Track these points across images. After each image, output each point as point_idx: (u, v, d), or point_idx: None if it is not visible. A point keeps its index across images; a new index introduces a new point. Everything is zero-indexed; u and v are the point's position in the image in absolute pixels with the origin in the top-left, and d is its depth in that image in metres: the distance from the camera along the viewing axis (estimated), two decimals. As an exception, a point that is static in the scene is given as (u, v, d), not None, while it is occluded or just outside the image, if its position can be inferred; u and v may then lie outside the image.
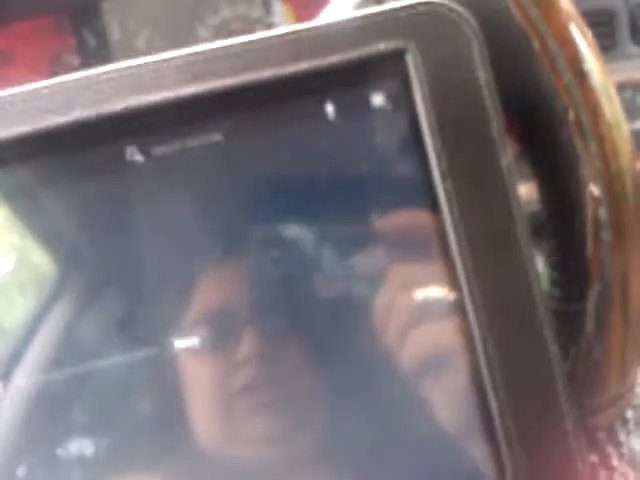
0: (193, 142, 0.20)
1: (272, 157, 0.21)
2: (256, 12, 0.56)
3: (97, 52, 0.58)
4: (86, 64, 0.58)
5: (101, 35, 0.58)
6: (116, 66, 0.20)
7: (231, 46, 0.20)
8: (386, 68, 0.20)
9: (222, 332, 0.20)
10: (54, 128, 0.19)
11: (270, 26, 0.55)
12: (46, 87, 0.20)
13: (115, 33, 0.57)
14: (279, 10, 0.56)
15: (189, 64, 0.20)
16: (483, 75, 0.20)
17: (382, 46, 0.20)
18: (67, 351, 0.21)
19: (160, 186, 0.20)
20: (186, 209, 0.21)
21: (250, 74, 0.20)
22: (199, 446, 0.20)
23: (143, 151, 0.20)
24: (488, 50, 0.21)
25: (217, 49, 0.20)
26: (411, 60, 0.20)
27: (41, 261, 0.21)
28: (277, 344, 0.20)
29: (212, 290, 0.21)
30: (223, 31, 0.56)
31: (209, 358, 0.21)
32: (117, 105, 0.19)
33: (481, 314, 0.19)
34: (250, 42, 0.20)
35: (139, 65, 0.19)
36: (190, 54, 0.20)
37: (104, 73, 0.20)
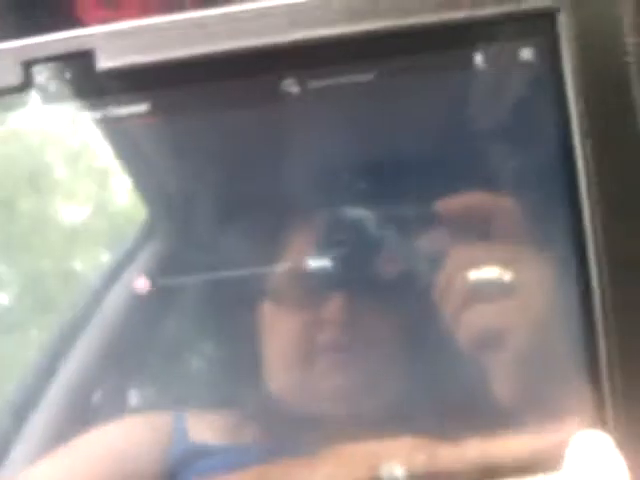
0: (345, 79, 0.21)
1: (412, 102, 0.22)
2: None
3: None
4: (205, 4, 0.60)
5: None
6: (284, 1, 0.21)
7: None
8: (538, 24, 0.21)
9: (312, 288, 0.22)
10: (220, 54, 0.21)
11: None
12: (217, 15, 0.21)
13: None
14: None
15: (352, 5, 0.21)
16: (631, 41, 0.20)
17: (535, 3, 0.20)
18: (160, 278, 0.22)
19: (307, 118, 0.22)
20: (324, 142, 0.22)
21: (408, 19, 0.21)
22: (275, 394, 0.22)
23: (300, 83, 0.21)
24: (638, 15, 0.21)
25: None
26: (563, 19, 0.20)
27: (117, 212, 0.23)
28: (358, 310, 0.22)
29: (308, 243, 0.22)
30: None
31: (297, 310, 0.22)
32: (282, 37, 0.21)
33: (604, 270, 0.20)
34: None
35: (306, 2, 0.21)
36: None
37: (272, 7, 0.21)
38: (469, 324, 0.21)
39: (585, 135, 0.20)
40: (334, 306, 0.22)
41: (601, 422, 0.20)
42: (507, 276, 0.21)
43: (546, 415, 0.20)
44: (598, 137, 0.20)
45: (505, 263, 0.21)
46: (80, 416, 0.22)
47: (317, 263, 0.22)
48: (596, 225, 0.20)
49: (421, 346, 0.22)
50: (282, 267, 0.22)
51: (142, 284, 0.22)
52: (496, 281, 0.21)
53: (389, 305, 0.22)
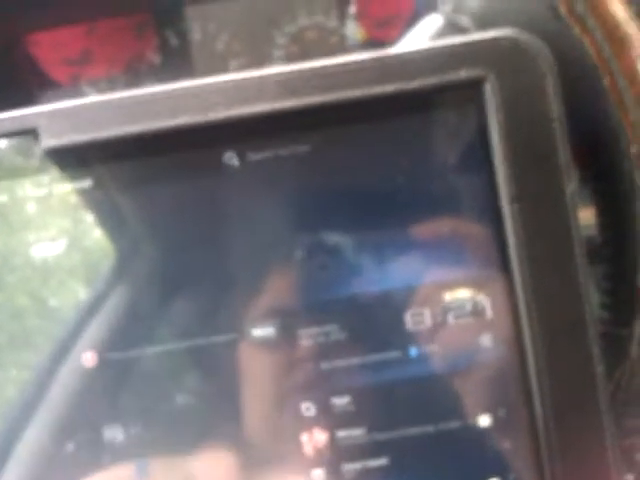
0: (284, 151, 0.22)
1: (349, 169, 0.23)
2: (331, 23, 0.58)
3: (178, 52, 0.61)
4: (167, 63, 0.62)
5: (183, 36, 0.62)
6: (222, 78, 0.22)
7: (324, 67, 0.22)
8: (465, 94, 0.22)
9: (283, 329, 0.22)
10: (163, 130, 0.22)
11: (343, 38, 0.57)
12: (160, 92, 0.22)
13: (197, 35, 0.60)
14: (351, 25, 0.58)
15: (286, 81, 0.22)
16: (555, 107, 0.21)
17: (463, 74, 0.21)
18: (131, 333, 0.23)
19: (248, 189, 0.23)
20: (266, 211, 0.23)
21: (341, 93, 0.22)
22: (248, 437, 0.22)
23: (240, 156, 0.22)
24: (561, 83, 0.22)
25: (312, 69, 0.22)
26: (489, 89, 0.21)
27: (92, 246, 0.23)
28: (330, 344, 0.22)
29: (280, 287, 0.23)
30: (299, 39, 0.58)
31: (269, 353, 0.22)
32: (221, 113, 0.22)
33: (533, 325, 0.21)
34: (342, 64, 0.22)
35: (243, 78, 0.22)
36: (288, 71, 0.22)
37: (211, 84, 0.22)
38: (437, 352, 0.22)
39: (512, 199, 0.21)
40: (303, 343, 0.22)
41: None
42: (474, 304, 0.22)
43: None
44: (525, 199, 0.21)
45: (477, 286, 0.22)
46: (55, 463, 0.22)
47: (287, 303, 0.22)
48: (527, 288, 0.21)
49: (396, 371, 0.22)
50: (256, 310, 0.22)
51: (90, 358, 0.23)
52: (468, 303, 0.22)
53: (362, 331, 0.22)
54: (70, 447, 0.22)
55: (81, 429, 0.22)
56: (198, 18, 0.59)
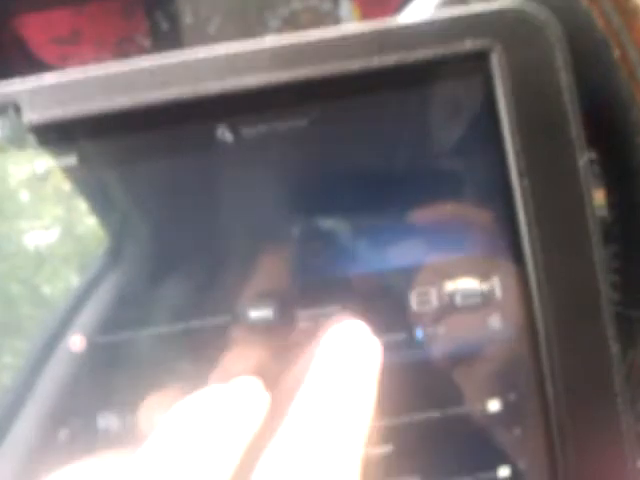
0: (280, 126, 0.21)
1: (350, 145, 0.22)
2: (326, 5, 0.57)
3: (169, 36, 0.60)
4: (158, 47, 0.60)
5: (174, 19, 0.60)
6: (215, 50, 0.21)
7: (322, 38, 0.21)
8: (471, 66, 0.21)
9: (281, 310, 0.21)
10: (153, 104, 0.21)
11: (338, 20, 0.56)
12: (148, 65, 0.21)
13: (187, 18, 0.59)
14: (346, 6, 0.57)
15: (283, 52, 0.21)
16: (565, 79, 0.20)
17: (469, 45, 0.20)
18: (124, 316, 0.22)
19: (243, 165, 0.21)
20: (261, 188, 0.22)
21: (339, 65, 0.21)
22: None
23: (233, 131, 0.21)
24: (570, 55, 0.21)
25: (309, 40, 0.21)
26: (495, 60, 0.20)
27: (84, 233, 0.22)
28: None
29: (277, 267, 0.22)
30: (292, 22, 0.57)
31: (267, 335, 0.22)
32: (214, 86, 0.20)
33: (546, 307, 0.20)
34: (343, 34, 0.21)
35: (237, 50, 0.21)
36: (284, 43, 0.21)
37: (203, 56, 0.21)
38: (445, 335, 0.21)
39: (521, 173, 0.20)
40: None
41: None
42: (483, 286, 0.21)
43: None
44: (535, 174, 0.20)
45: (480, 273, 0.21)
46: (48, 452, 0.21)
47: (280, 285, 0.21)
48: (538, 268, 0.20)
49: (398, 359, 0.21)
50: (251, 291, 0.21)
51: (77, 342, 0.21)
52: (471, 291, 0.21)
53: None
54: (63, 434, 0.21)
55: (74, 416, 0.21)
56: (189, 1, 0.58)
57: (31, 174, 0.22)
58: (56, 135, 0.21)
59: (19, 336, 0.22)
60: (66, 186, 0.22)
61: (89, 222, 0.22)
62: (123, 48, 0.64)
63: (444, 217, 0.21)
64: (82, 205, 0.22)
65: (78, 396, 0.22)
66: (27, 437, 0.22)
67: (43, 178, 0.22)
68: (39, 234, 0.22)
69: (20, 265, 0.22)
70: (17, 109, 0.21)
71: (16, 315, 0.22)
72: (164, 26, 0.58)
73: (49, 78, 0.21)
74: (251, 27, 0.59)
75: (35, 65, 0.55)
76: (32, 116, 0.21)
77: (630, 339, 0.24)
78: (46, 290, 0.22)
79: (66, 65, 0.56)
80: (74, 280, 0.23)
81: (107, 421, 0.21)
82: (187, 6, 0.58)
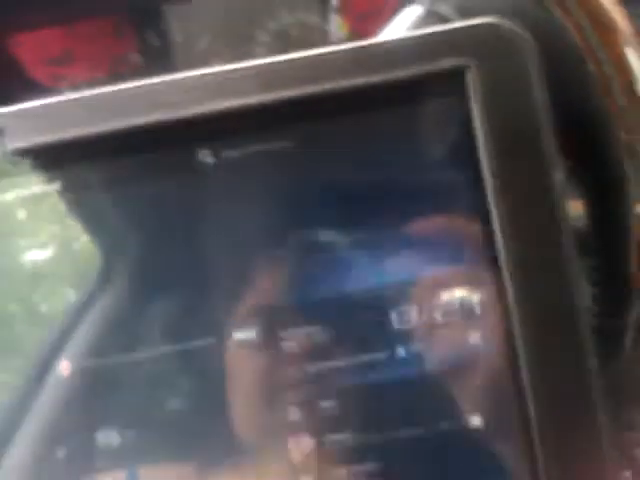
0: (262, 147, 0.21)
1: (331, 164, 0.22)
2: (314, 20, 0.57)
3: (160, 53, 0.60)
4: (149, 64, 0.61)
5: (164, 37, 0.61)
6: (196, 73, 0.21)
7: (302, 58, 0.21)
8: (448, 83, 0.21)
9: (270, 328, 0.22)
10: (135, 128, 0.21)
11: (327, 35, 0.56)
12: (129, 89, 0.21)
13: (177, 36, 0.59)
14: (335, 21, 0.58)
15: (262, 74, 0.21)
16: (539, 95, 0.21)
17: (445, 62, 0.21)
18: (112, 339, 0.22)
19: (225, 187, 0.22)
20: (245, 210, 0.22)
21: (318, 85, 0.21)
22: (237, 438, 0.21)
23: (214, 154, 0.21)
24: (545, 70, 0.22)
25: (289, 61, 0.21)
26: (471, 77, 0.21)
27: (81, 251, 0.22)
28: (319, 343, 0.21)
29: (262, 287, 0.22)
30: (281, 36, 0.57)
31: (256, 352, 0.22)
32: (194, 109, 0.21)
33: (524, 321, 0.20)
34: (320, 55, 0.21)
35: (217, 72, 0.21)
36: (263, 64, 0.21)
37: (185, 79, 0.21)
38: (439, 345, 0.21)
39: (496, 190, 0.20)
40: (291, 342, 0.21)
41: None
42: (476, 297, 0.21)
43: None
44: (511, 190, 0.20)
45: (473, 285, 0.21)
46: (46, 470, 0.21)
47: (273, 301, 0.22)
48: (516, 282, 0.20)
49: (384, 373, 0.21)
50: (242, 310, 0.22)
51: (65, 367, 0.22)
52: (466, 302, 0.21)
53: (356, 329, 0.21)
54: (61, 452, 0.22)
55: (68, 436, 0.22)
56: (178, 19, 0.58)
57: (27, 193, 0.22)
58: (40, 160, 0.21)
59: (15, 354, 0.22)
60: (62, 205, 0.22)
61: (85, 240, 0.23)
62: (116, 67, 0.64)
63: (427, 229, 0.21)
64: (78, 223, 0.23)
65: (70, 417, 0.22)
66: (25, 454, 0.22)
67: (39, 197, 0.22)
68: (36, 252, 0.22)
69: (17, 283, 0.22)
70: (1, 135, 0.21)
71: (13, 333, 0.22)
72: (155, 43, 0.58)
73: (31, 104, 0.21)
74: (241, 43, 0.60)
75: (29, 86, 0.56)
76: (16, 142, 0.21)
77: (610, 351, 0.24)
78: (43, 308, 0.23)
79: (60, 85, 0.57)
80: (71, 298, 0.23)
81: (105, 438, 0.21)
82: (177, 23, 0.58)
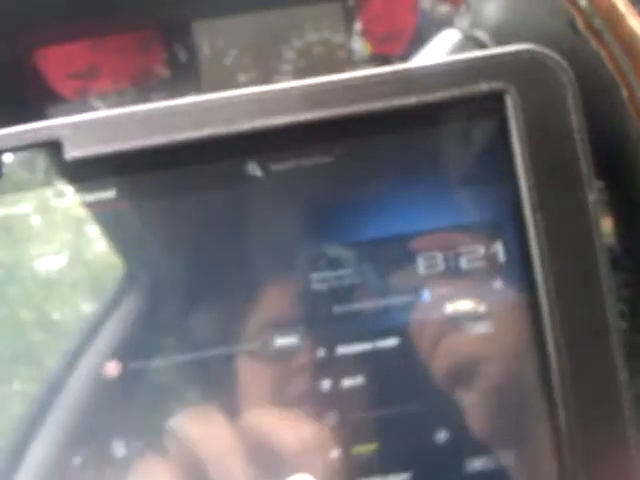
0: (306, 162, 0.22)
1: (371, 180, 0.23)
2: (338, 38, 0.59)
3: (187, 67, 0.62)
4: (176, 78, 0.62)
5: (192, 51, 0.62)
6: (246, 91, 0.22)
7: (348, 79, 0.22)
8: (486, 107, 0.22)
9: (307, 330, 0.22)
10: (185, 142, 0.22)
11: (351, 52, 0.58)
12: (182, 105, 0.22)
13: (205, 50, 0.61)
14: (358, 41, 0.59)
15: (309, 93, 0.22)
16: (576, 120, 0.22)
17: (484, 87, 0.22)
18: (130, 348, 0.23)
19: (272, 199, 0.23)
20: (288, 221, 0.23)
21: (362, 105, 0.22)
22: (254, 452, 0.22)
23: (262, 167, 0.22)
24: (580, 96, 0.22)
25: (334, 81, 0.22)
26: (510, 101, 0.22)
27: (94, 259, 0.23)
28: (328, 356, 0.22)
29: (276, 299, 0.23)
30: (306, 54, 0.59)
31: (267, 365, 0.22)
32: (245, 125, 0.22)
33: (559, 338, 0.21)
34: (365, 77, 0.22)
35: (266, 91, 0.22)
36: (311, 84, 0.22)
37: (235, 96, 0.22)
38: (445, 355, 0.22)
39: (534, 208, 0.21)
40: (302, 355, 0.22)
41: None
42: (481, 308, 0.22)
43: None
44: (548, 209, 0.21)
45: (478, 296, 0.22)
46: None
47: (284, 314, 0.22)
48: (551, 297, 0.21)
49: (398, 382, 0.22)
50: (255, 322, 0.22)
51: (112, 368, 0.22)
52: (471, 313, 0.22)
53: (365, 342, 0.22)
54: (78, 460, 0.22)
55: (88, 442, 0.22)
56: (206, 33, 0.59)
57: (43, 200, 0.23)
58: (95, 171, 0.22)
59: (29, 362, 0.23)
60: (94, 211, 0.23)
61: (99, 248, 0.23)
62: (141, 80, 0.66)
63: (456, 247, 0.22)
64: (92, 231, 0.23)
65: (94, 422, 0.22)
66: (43, 461, 0.22)
67: (72, 205, 0.23)
68: (49, 260, 0.23)
69: (30, 291, 0.23)
70: (59, 146, 0.22)
71: (26, 341, 0.23)
72: (182, 57, 0.60)
73: (88, 116, 0.22)
74: (266, 58, 0.61)
75: (56, 99, 0.57)
76: (73, 152, 0.22)
77: (638, 367, 0.25)
78: (56, 316, 0.23)
79: (86, 98, 0.58)
80: (84, 306, 0.23)
81: (121, 448, 0.22)
82: (205, 38, 0.60)
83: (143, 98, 0.61)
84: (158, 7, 0.60)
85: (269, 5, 0.63)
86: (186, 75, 0.60)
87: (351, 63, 0.60)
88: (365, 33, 0.58)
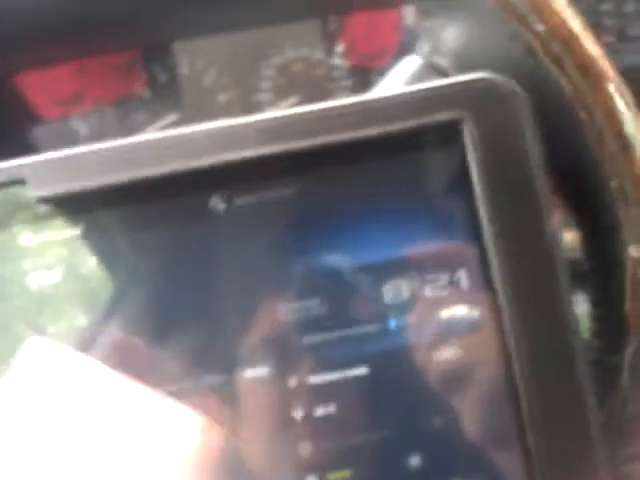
0: (269, 194, 0.23)
1: (334, 209, 0.23)
2: (317, 55, 0.59)
3: (167, 87, 0.62)
4: (156, 98, 0.62)
5: (171, 71, 0.62)
6: (208, 125, 0.22)
7: (306, 112, 0.22)
8: (444, 136, 0.22)
9: (277, 361, 0.23)
10: (149, 178, 0.22)
11: (331, 69, 0.58)
12: (145, 142, 0.23)
13: (184, 70, 0.61)
14: (338, 57, 0.60)
15: (270, 127, 0.22)
16: (532, 145, 0.22)
17: (442, 116, 0.22)
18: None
19: (236, 232, 0.23)
20: (252, 254, 0.23)
21: (322, 137, 0.22)
22: (250, 472, 0.22)
23: (226, 201, 0.23)
24: (538, 120, 0.23)
25: (293, 115, 0.22)
26: (466, 130, 0.22)
27: (89, 274, 0.23)
28: (300, 385, 0.22)
29: (267, 322, 0.23)
30: (285, 71, 0.59)
31: (265, 387, 0.23)
32: (207, 160, 0.22)
33: (521, 357, 0.21)
34: (323, 109, 0.22)
35: (228, 125, 0.22)
36: (271, 118, 0.22)
37: (197, 132, 0.22)
38: (415, 381, 0.22)
39: (495, 236, 0.21)
40: (299, 374, 0.22)
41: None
42: (474, 315, 0.22)
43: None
44: (508, 236, 0.21)
45: (471, 304, 0.22)
46: None
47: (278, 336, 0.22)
48: (514, 322, 0.21)
49: (370, 409, 0.22)
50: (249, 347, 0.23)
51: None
52: (464, 320, 0.22)
53: (335, 371, 0.22)
54: None
55: None
56: (185, 53, 0.60)
57: (37, 241, 0.23)
58: (61, 208, 0.23)
59: None
60: (65, 247, 0.23)
61: (92, 264, 0.23)
62: (123, 101, 0.66)
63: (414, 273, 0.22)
64: (82, 262, 0.23)
65: None
66: None
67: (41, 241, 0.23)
68: (42, 274, 0.23)
69: (24, 305, 0.23)
70: (23, 184, 0.22)
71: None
72: (162, 78, 0.60)
73: (51, 155, 0.23)
74: (246, 76, 0.61)
75: (37, 120, 0.57)
76: (38, 191, 0.22)
77: (610, 385, 0.25)
78: (51, 330, 0.23)
79: (67, 119, 0.58)
80: (78, 320, 0.23)
81: None
82: (184, 58, 0.60)
83: (123, 118, 0.61)
84: (139, 28, 0.60)
85: (249, 25, 0.63)
86: (166, 95, 0.61)
87: (331, 79, 0.60)
88: (347, 54, 0.59)
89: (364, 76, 0.59)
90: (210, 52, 0.62)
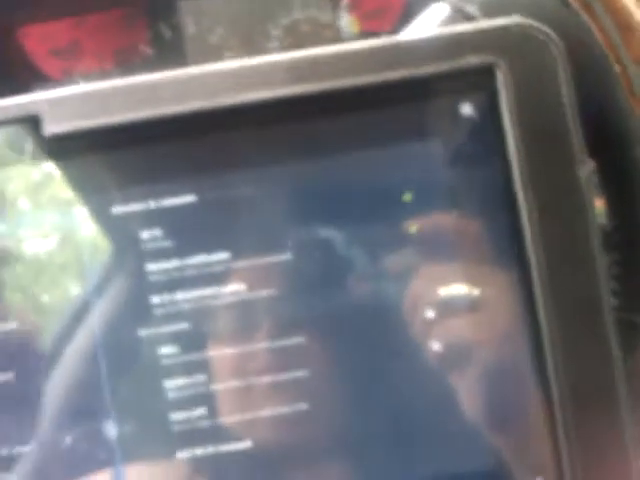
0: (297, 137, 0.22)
1: (355, 157, 0.22)
2: (326, 16, 0.58)
3: (171, 45, 0.60)
4: (160, 56, 0.61)
5: (176, 29, 0.61)
6: (230, 64, 0.22)
7: (335, 53, 0.22)
8: (476, 81, 0.21)
9: (248, 317, 0.22)
10: (165, 116, 0.22)
11: (338, 31, 0.57)
12: (156, 79, 0.22)
13: (190, 28, 0.59)
14: (345, 18, 0.58)
15: (297, 66, 0.21)
16: (566, 93, 0.21)
17: (474, 60, 0.21)
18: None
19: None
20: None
21: (350, 79, 0.21)
22: (223, 427, 0.22)
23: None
24: (571, 69, 0.22)
25: (323, 55, 0.22)
26: (500, 75, 0.21)
27: (84, 242, 0.23)
28: (303, 333, 0.22)
29: (246, 279, 0.22)
30: (293, 32, 0.57)
31: (233, 340, 0.22)
32: (230, 99, 0.21)
33: (551, 315, 0.21)
34: (353, 50, 0.22)
35: (250, 65, 0.21)
36: (299, 58, 0.22)
37: (219, 69, 0.22)
38: (437, 339, 0.22)
39: (525, 184, 0.21)
40: (268, 330, 0.22)
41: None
42: (473, 292, 0.22)
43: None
44: (539, 184, 0.21)
45: (471, 280, 0.22)
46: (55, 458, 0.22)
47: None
48: (543, 276, 0.21)
49: (387, 367, 0.22)
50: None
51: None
52: (463, 297, 0.22)
53: (355, 325, 0.22)
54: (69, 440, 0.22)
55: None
56: (191, 12, 0.58)
57: (31, 182, 0.22)
58: (72, 147, 0.22)
59: None
60: (65, 193, 0.22)
61: (88, 231, 0.23)
62: (125, 57, 0.64)
63: (455, 225, 0.22)
64: (82, 212, 0.23)
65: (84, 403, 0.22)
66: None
67: (42, 185, 0.22)
68: (38, 242, 0.22)
69: (19, 273, 0.23)
70: (38, 121, 0.22)
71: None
72: (167, 35, 0.59)
73: (68, 91, 0.22)
74: (253, 36, 0.60)
75: (41, 78, 0.56)
76: (52, 128, 0.21)
77: (630, 345, 0.25)
78: (45, 299, 0.23)
79: (70, 78, 0.57)
80: (72, 289, 0.23)
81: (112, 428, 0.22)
82: (190, 16, 0.58)
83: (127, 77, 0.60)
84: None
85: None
86: (171, 54, 0.59)
87: (339, 40, 0.59)
88: (352, 8, 0.57)
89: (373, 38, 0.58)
90: (217, 11, 0.61)
